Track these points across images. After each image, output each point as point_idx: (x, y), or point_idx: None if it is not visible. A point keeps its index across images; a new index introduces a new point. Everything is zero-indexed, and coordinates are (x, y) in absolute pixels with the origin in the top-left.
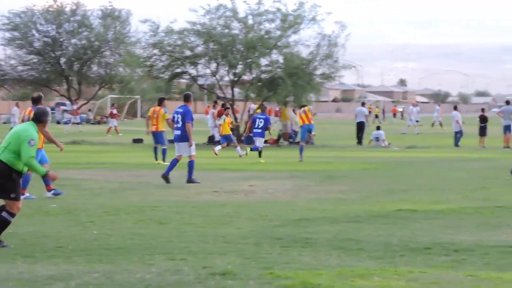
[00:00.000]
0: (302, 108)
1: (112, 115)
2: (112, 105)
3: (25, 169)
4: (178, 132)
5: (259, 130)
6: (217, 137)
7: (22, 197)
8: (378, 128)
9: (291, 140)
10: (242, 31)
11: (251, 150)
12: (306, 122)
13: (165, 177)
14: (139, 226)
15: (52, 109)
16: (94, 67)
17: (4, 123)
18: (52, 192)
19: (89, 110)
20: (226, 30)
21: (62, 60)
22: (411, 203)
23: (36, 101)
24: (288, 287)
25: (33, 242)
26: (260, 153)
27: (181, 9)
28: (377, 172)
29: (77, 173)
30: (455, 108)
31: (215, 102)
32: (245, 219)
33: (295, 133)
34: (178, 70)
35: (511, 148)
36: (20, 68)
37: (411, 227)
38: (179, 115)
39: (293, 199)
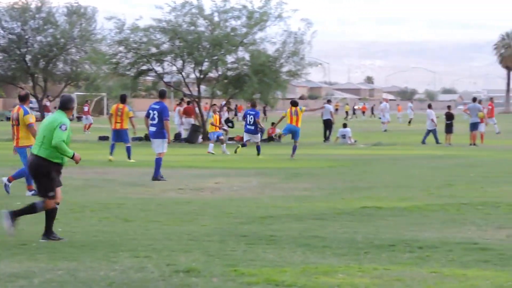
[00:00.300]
0: (295, 108)
1: (85, 112)
2: (86, 101)
3: (65, 159)
4: (153, 129)
5: (252, 127)
6: (184, 135)
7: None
8: (344, 125)
9: None
10: (208, 28)
11: (258, 151)
12: (294, 123)
13: (157, 179)
14: (104, 223)
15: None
16: (60, 65)
17: None
18: (32, 192)
19: (55, 108)
20: (192, 27)
21: (28, 57)
22: (376, 200)
23: (23, 99)
24: (252, 284)
25: None
26: (243, 145)
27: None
28: (343, 169)
29: None
30: (430, 106)
31: (181, 100)
32: (210, 217)
33: (262, 130)
34: (144, 68)
35: (477, 146)
36: None
37: (375, 224)
38: (155, 112)
39: (258, 197)
